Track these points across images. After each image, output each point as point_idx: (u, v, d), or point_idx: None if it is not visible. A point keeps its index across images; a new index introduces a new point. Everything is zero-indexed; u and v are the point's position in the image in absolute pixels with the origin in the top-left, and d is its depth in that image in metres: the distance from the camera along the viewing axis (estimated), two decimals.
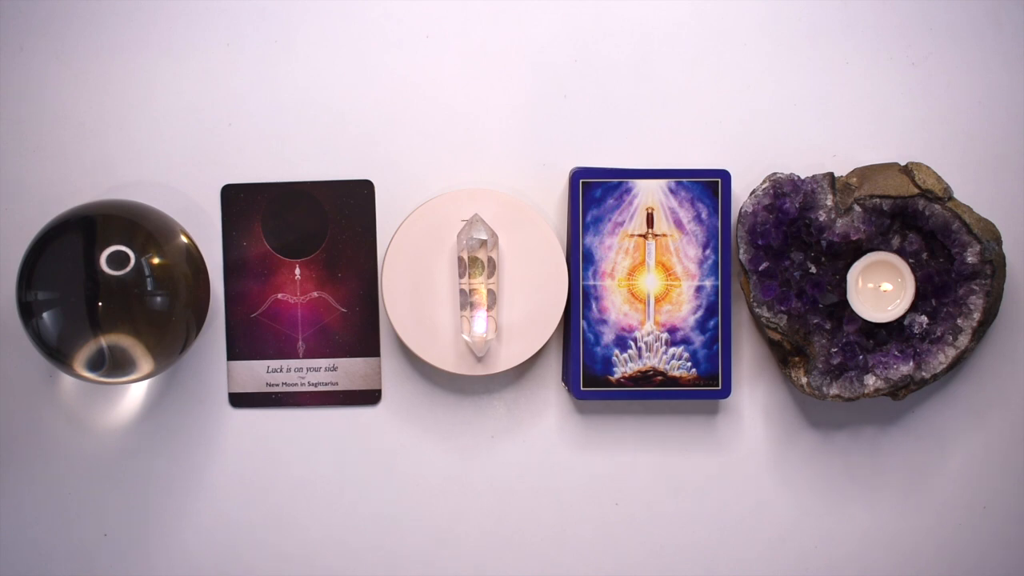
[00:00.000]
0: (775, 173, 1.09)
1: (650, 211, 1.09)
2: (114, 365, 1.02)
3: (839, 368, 1.09)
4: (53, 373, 1.11)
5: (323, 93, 1.10)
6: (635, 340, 1.09)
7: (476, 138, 1.11)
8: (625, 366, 1.09)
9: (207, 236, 1.11)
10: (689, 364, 1.09)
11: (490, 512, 1.12)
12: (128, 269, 1.01)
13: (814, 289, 1.09)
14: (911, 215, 1.08)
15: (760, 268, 1.09)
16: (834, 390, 1.09)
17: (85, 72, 1.10)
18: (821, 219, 1.08)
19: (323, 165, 1.11)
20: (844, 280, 1.09)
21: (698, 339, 1.09)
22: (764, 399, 1.13)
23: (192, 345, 1.06)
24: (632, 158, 1.11)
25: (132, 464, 1.12)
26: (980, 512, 1.13)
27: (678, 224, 1.09)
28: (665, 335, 1.09)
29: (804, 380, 1.09)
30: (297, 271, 1.11)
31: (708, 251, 1.09)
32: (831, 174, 1.09)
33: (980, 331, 1.09)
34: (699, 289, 1.09)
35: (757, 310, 1.09)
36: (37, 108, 1.10)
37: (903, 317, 1.09)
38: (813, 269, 1.09)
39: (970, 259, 1.08)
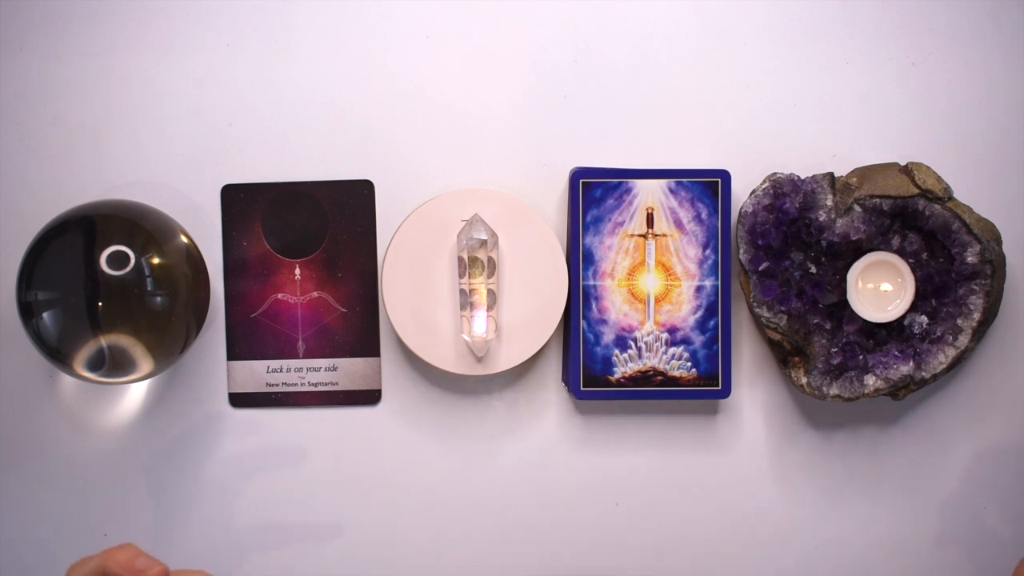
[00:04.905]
0: (775, 173, 1.09)
1: (650, 211, 1.09)
2: (114, 365, 1.02)
3: (839, 368, 1.09)
4: (53, 373, 1.11)
5: (323, 93, 1.10)
6: (635, 340, 1.09)
7: (476, 138, 1.11)
8: (625, 366, 1.09)
9: (207, 236, 1.11)
10: (689, 364, 1.09)
11: (490, 512, 1.12)
12: (128, 269, 1.01)
13: (814, 289, 1.09)
14: (911, 215, 1.08)
15: (760, 268, 1.09)
16: (834, 390, 1.09)
17: (85, 72, 1.10)
18: (821, 219, 1.08)
19: (323, 165, 1.11)
20: (844, 280, 1.09)
21: (698, 339, 1.09)
22: (764, 399, 1.13)
23: (192, 345, 1.06)
24: (632, 158, 1.11)
25: (132, 464, 1.12)
26: (980, 512, 1.13)
27: (678, 224, 1.09)
28: (665, 335, 1.09)
29: (804, 380, 1.09)
30: (297, 271, 1.11)
31: (708, 251, 1.09)
32: (831, 174, 1.09)
33: (980, 331, 1.09)
34: (699, 289, 1.09)
35: (757, 310, 1.09)
36: (37, 108, 1.10)
37: (903, 317, 1.09)
38: (813, 269, 1.09)
39: (970, 259, 1.08)
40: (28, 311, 1.02)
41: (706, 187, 1.09)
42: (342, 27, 1.10)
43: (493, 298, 1.08)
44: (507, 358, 1.09)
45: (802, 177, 1.09)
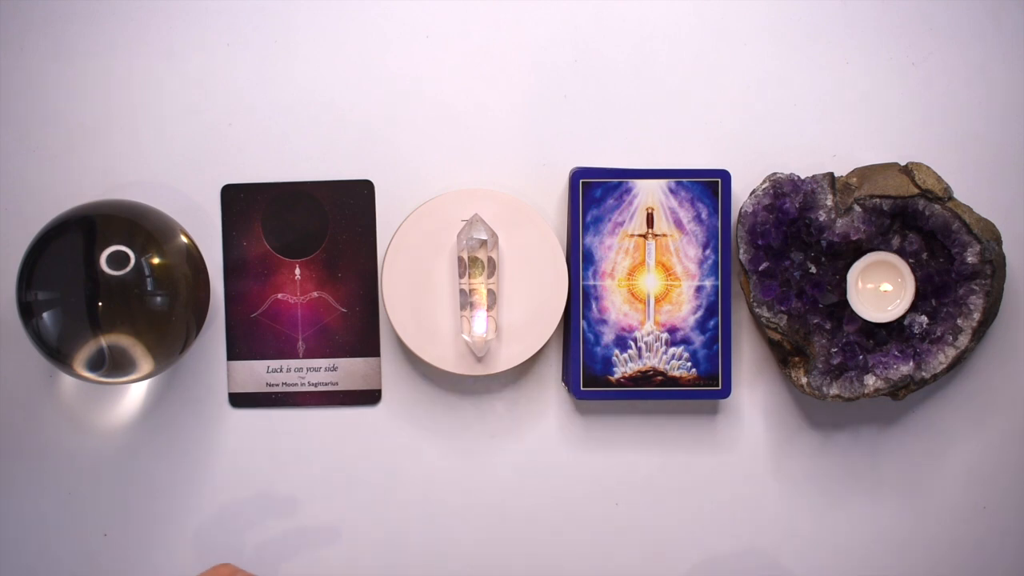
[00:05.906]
0: (775, 173, 1.09)
1: (650, 211, 1.09)
2: (114, 365, 1.02)
3: (839, 368, 1.09)
4: (53, 373, 1.11)
5: (323, 93, 1.10)
6: (635, 340, 1.09)
7: (476, 138, 1.11)
8: (625, 366, 1.09)
9: (207, 236, 1.11)
10: (689, 364, 1.09)
11: (490, 512, 1.12)
12: (128, 269, 1.01)
13: (814, 289, 1.09)
14: (911, 215, 1.08)
15: (760, 268, 1.09)
16: (834, 390, 1.09)
17: (85, 72, 1.10)
18: (821, 219, 1.08)
19: (323, 165, 1.11)
20: (844, 280, 1.09)
21: (698, 339, 1.09)
22: (764, 399, 1.13)
23: (192, 345, 1.06)
24: (632, 158, 1.11)
25: (132, 464, 1.12)
26: (980, 512, 1.13)
27: (678, 224, 1.09)
28: (665, 335, 1.09)
29: (804, 380, 1.10)
30: (297, 271, 1.11)
31: (708, 251, 1.09)
32: (831, 174, 1.09)
33: (980, 331, 1.09)
34: (699, 289, 1.09)
35: (757, 310, 1.09)
36: (37, 108, 1.10)
37: (903, 317, 1.09)
38: (813, 269, 1.09)
39: (970, 259, 1.08)
40: (28, 311, 1.02)
41: (706, 187, 1.09)
42: (342, 27, 1.10)
43: (493, 298, 1.08)
44: (507, 358, 1.09)
45: (802, 177, 1.09)
